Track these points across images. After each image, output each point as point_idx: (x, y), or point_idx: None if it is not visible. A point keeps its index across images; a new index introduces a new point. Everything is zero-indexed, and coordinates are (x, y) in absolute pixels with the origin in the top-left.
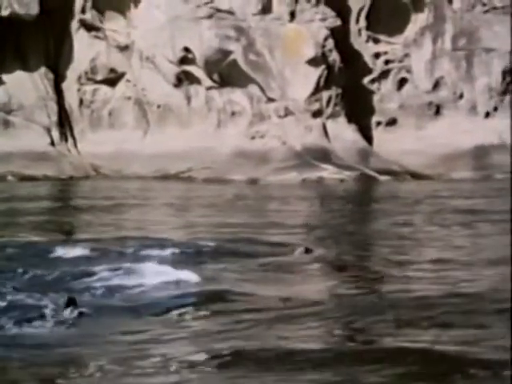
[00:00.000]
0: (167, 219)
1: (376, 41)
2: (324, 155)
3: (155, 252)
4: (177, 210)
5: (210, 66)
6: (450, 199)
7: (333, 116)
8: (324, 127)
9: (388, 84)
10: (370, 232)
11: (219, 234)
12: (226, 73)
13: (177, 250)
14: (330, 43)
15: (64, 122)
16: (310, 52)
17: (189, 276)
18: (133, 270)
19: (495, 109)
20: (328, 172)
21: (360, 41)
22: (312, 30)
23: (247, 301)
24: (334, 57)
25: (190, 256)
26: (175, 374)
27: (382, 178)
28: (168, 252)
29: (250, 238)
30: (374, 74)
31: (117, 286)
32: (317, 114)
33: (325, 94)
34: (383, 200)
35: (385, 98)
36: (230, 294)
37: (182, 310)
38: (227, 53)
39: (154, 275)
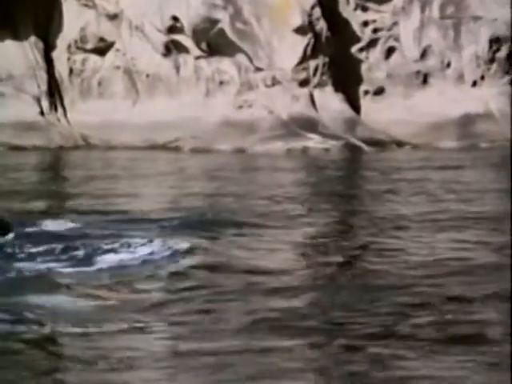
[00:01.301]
0: (149, 191)
1: (364, 9)
2: (310, 125)
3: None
4: (161, 181)
5: (197, 35)
6: (427, 169)
7: (320, 85)
8: (311, 96)
9: (376, 53)
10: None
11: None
12: (214, 42)
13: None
14: (317, 11)
15: (54, 91)
16: (297, 20)
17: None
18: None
19: (482, 77)
20: (313, 142)
21: (348, 9)
22: None
23: None
24: (322, 25)
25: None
26: None
27: (368, 147)
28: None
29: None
30: (363, 43)
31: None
32: (304, 83)
33: (312, 63)
34: (363, 169)
35: (373, 66)
36: None
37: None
38: (214, 21)
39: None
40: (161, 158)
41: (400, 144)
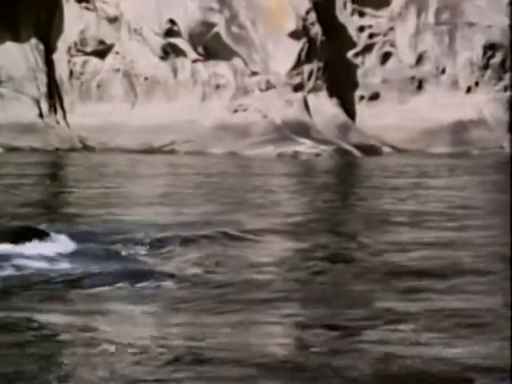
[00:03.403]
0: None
1: (361, 14)
2: (303, 129)
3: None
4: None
5: (194, 39)
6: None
7: (314, 90)
8: (305, 101)
9: (372, 58)
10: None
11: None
12: (210, 45)
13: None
14: (313, 16)
15: (53, 93)
16: (292, 25)
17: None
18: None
19: (476, 84)
20: (304, 146)
21: (345, 14)
22: (294, 2)
23: None
24: (316, 30)
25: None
26: None
27: (359, 153)
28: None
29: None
30: (358, 48)
31: None
32: (298, 87)
33: (306, 68)
34: (348, 174)
35: (368, 72)
36: None
37: None
38: (211, 25)
39: None
40: (156, 163)
41: (392, 150)
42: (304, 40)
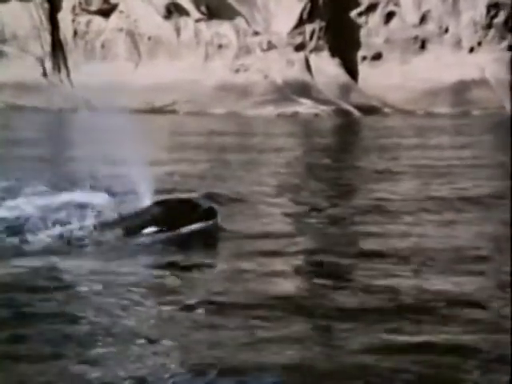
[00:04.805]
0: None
1: None
2: (304, 89)
3: None
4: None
5: None
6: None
7: (316, 50)
8: (307, 61)
9: (375, 17)
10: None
11: None
12: (213, 5)
13: None
14: None
15: (58, 52)
16: None
17: None
18: None
19: (479, 44)
20: (304, 107)
21: None
22: None
23: None
24: None
25: None
26: None
27: (359, 113)
28: None
29: None
30: (362, 7)
31: None
32: (299, 47)
33: (308, 28)
34: (340, 133)
35: (371, 31)
36: None
37: None
38: None
39: None
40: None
41: (393, 110)
42: None
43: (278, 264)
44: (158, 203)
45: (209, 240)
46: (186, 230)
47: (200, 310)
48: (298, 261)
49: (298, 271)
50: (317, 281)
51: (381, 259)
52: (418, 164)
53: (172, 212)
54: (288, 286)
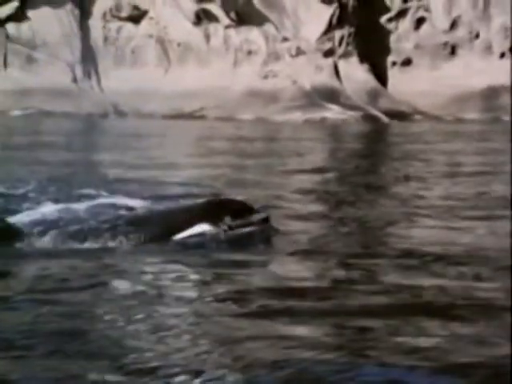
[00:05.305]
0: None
1: None
2: (332, 95)
3: None
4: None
5: (227, 4)
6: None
7: (345, 55)
8: (335, 67)
9: (405, 23)
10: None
11: None
12: (242, 11)
13: None
14: None
15: (88, 58)
16: None
17: None
18: None
19: (510, 49)
20: (332, 112)
21: None
22: None
23: None
24: None
25: None
26: None
27: (387, 118)
28: None
29: None
30: (392, 13)
31: None
32: (328, 53)
33: (337, 34)
34: (367, 138)
35: (401, 37)
36: None
37: None
38: None
39: None
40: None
41: (422, 116)
42: (335, 5)
43: None
44: (210, 202)
45: (264, 240)
46: (241, 231)
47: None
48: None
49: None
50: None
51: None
52: (442, 170)
53: (224, 211)
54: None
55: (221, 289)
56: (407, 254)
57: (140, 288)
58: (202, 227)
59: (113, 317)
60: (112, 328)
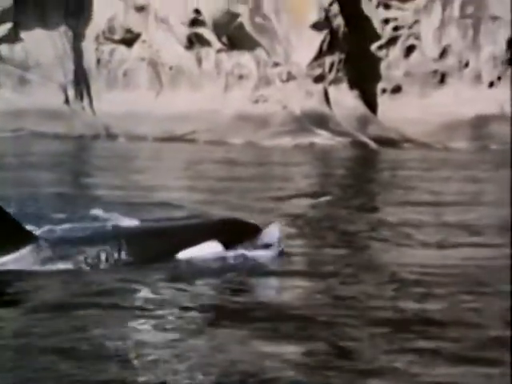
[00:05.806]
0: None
1: (387, 6)
2: (322, 121)
3: None
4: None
5: (219, 29)
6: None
7: (335, 82)
8: (325, 93)
9: (396, 51)
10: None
11: None
12: (234, 35)
13: None
14: (335, 8)
15: (80, 80)
16: (314, 16)
17: None
18: None
19: (499, 78)
20: (321, 138)
21: (370, 6)
22: None
23: None
24: (339, 22)
25: None
26: None
27: (375, 145)
28: None
29: None
30: (382, 41)
31: None
32: (318, 79)
33: (327, 60)
34: (353, 164)
35: (391, 64)
36: None
37: None
38: (235, 15)
39: None
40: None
41: (411, 143)
42: (326, 31)
43: None
44: (220, 221)
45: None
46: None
47: None
48: None
49: None
50: None
51: None
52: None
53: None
54: None
55: None
56: None
57: None
58: (212, 246)
59: None
60: None
